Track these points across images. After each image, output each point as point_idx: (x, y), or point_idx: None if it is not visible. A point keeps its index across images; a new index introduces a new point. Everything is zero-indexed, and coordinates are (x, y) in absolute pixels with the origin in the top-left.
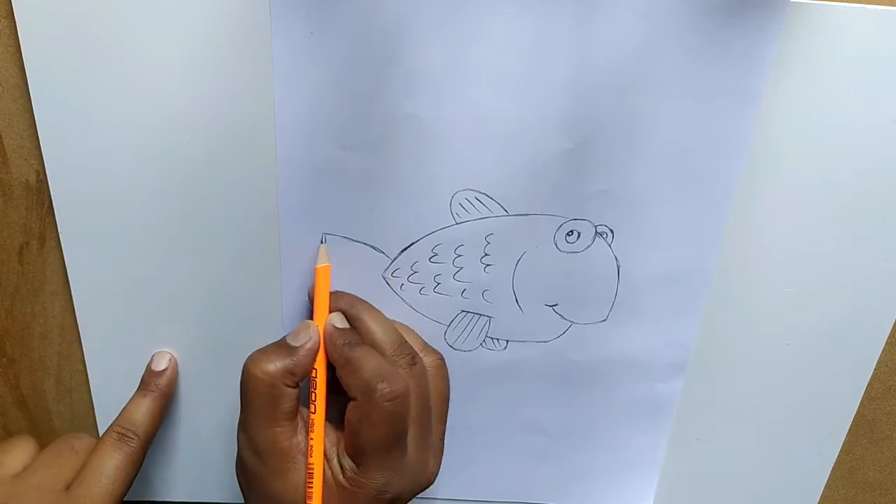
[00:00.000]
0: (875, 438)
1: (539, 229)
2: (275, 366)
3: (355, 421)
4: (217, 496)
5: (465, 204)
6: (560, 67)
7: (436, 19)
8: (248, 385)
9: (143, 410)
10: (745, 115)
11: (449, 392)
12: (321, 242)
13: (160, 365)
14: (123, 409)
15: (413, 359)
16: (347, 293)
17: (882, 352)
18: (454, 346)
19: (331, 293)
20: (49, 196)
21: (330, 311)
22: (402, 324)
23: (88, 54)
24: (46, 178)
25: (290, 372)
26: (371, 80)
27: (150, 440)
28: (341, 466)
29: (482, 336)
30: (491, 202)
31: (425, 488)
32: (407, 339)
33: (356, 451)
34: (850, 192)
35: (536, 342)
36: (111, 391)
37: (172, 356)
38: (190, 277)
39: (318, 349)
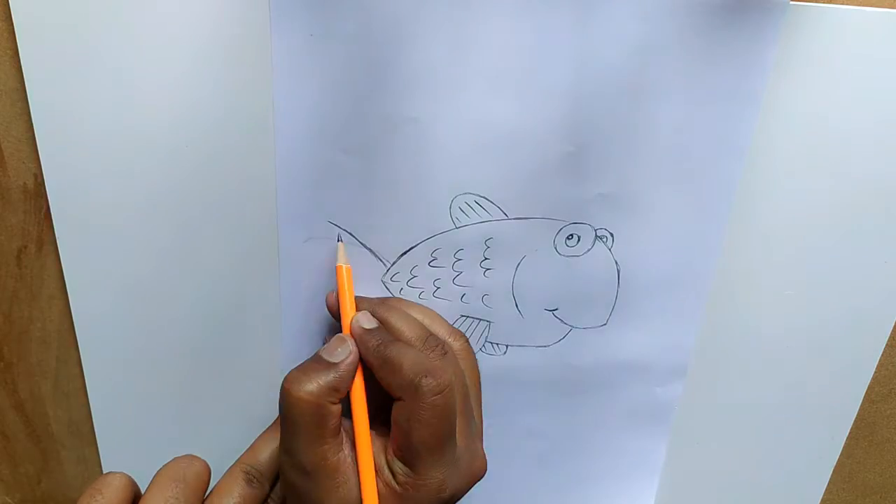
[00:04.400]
0: (875, 441)
1: (539, 233)
2: (317, 385)
3: (404, 422)
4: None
5: (465, 208)
6: (560, 70)
7: (436, 22)
8: (292, 408)
9: (274, 451)
10: (745, 117)
11: (479, 372)
12: (338, 240)
13: None
14: (255, 444)
15: (443, 348)
16: (365, 297)
17: (882, 354)
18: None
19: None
20: (47, 200)
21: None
22: (422, 307)
23: (86, 57)
24: (44, 182)
25: (334, 389)
26: (371, 83)
27: (274, 485)
28: (393, 473)
29: (482, 341)
30: (491, 206)
31: (481, 477)
32: (431, 326)
33: (408, 454)
34: (850, 194)
35: (536, 347)
36: (109, 396)
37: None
38: (188, 281)
39: (358, 362)
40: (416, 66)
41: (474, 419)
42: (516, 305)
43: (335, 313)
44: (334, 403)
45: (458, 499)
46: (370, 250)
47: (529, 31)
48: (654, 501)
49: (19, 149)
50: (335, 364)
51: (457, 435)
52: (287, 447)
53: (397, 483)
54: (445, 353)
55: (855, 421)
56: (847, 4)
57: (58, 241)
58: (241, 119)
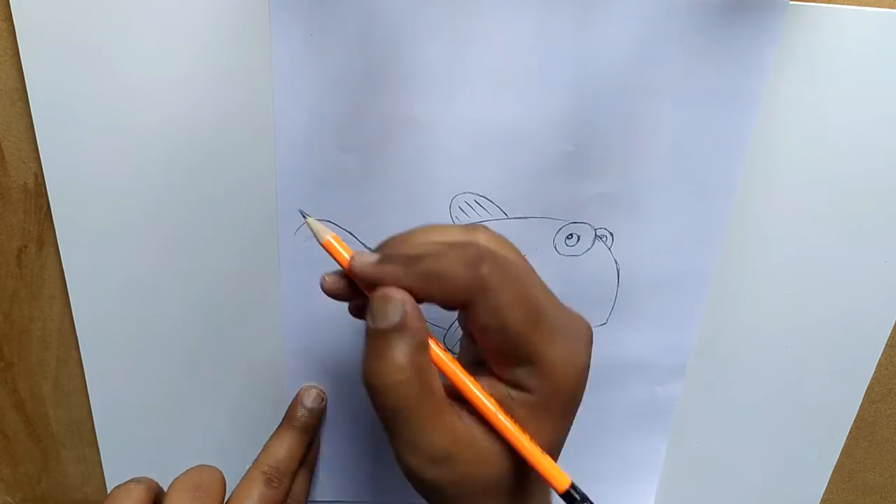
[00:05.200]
0: (875, 441)
1: (538, 232)
2: (402, 356)
3: (491, 320)
4: None
5: (465, 207)
6: (559, 70)
7: (435, 21)
8: (389, 395)
9: (289, 449)
10: (745, 117)
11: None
12: (303, 216)
13: (311, 403)
14: (269, 444)
15: (477, 229)
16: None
17: (882, 354)
18: (453, 349)
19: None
20: (47, 199)
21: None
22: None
23: (87, 57)
24: (45, 182)
25: (419, 348)
26: (370, 83)
27: (292, 484)
28: (515, 388)
29: None
30: (490, 205)
31: (592, 337)
32: (447, 227)
33: (513, 354)
34: (850, 193)
35: None
36: (109, 395)
37: (323, 394)
38: (189, 280)
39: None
40: (415, 66)
41: (542, 281)
42: None
43: (336, 294)
44: (429, 363)
45: (588, 368)
46: (370, 250)
47: (529, 30)
48: (654, 501)
49: (19, 149)
50: (399, 323)
51: (542, 301)
52: (409, 446)
53: (527, 392)
54: (476, 230)
55: (855, 421)
56: (846, 4)
57: (58, 241)
58: (241, 119)
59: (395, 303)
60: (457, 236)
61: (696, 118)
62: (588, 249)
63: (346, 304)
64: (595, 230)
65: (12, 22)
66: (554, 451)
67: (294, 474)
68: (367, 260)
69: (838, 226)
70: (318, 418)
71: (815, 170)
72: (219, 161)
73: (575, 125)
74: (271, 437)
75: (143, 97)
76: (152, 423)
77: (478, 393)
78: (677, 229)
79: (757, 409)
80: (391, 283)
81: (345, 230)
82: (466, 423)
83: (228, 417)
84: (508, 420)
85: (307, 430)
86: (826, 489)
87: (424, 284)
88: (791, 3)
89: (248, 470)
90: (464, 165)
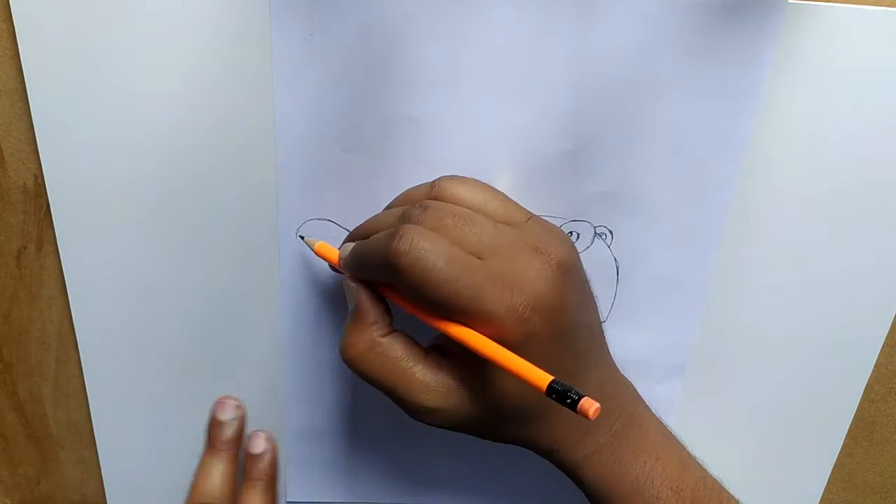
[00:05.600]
0: (875, 441)
1: None
2: (356, 333)
3: (409, 298)
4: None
5: None
6: (559, 69)
7: (435, 21)
8: (359, 368)
9: (220, 477)
10: (744, 115)
11: (490, 186)
12: (300, 238)
13: (226, 416)
14: (197, 477)
15: (421, 206)
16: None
17: (881, 353)
18: None
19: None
20: (47, 200)
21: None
22: (403, 193)
23: (86, 58)
24: (44, 182)
25: (372, 323)
26: (370, 82)
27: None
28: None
29: None
30: None
31: (573, 265)
32: (411, 198)
33: (440, 315)
34: (849, 193)
35: None
36: (108, 397)
37: (239, 407)
38: (188, 281)
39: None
40: (415, 65)
41: (518, 226)
42: None
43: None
44: (384, 335)
45: (560, 298)
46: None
47: (529, 29)
48: None
49: (19, 149)
50: (354, 307)
51: (490, 256)
52: (400, 405)
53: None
54: (426, 209)
55: (854, 420)
56: (846, 3)
57: (58, 242)
58: (241, 119)
59: (350, 290)
60: (390, 221)
61: (696, 117)
62: (587, 247)
63: (345, 305)
64: (594, 228)
65: (12, 22)
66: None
67: (232, 496)
68: (342, 255)
69: (837, 225)
70: (240, 432)
71: (814, 169)
72: (219, 161)
73: (575, 124)
74: (197, 470)
75: (143, 97)
76: (151, 425)
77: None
78: (677, 227)
79: (756, 408)
80: (351, 272)
81: (345, 230)
82: (439, 376)
83: None
84: (475, 334)
85: (231, 447)
86: (825, 488)
87: (358, 268)
88: (790, 1)
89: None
90: (464, 164)
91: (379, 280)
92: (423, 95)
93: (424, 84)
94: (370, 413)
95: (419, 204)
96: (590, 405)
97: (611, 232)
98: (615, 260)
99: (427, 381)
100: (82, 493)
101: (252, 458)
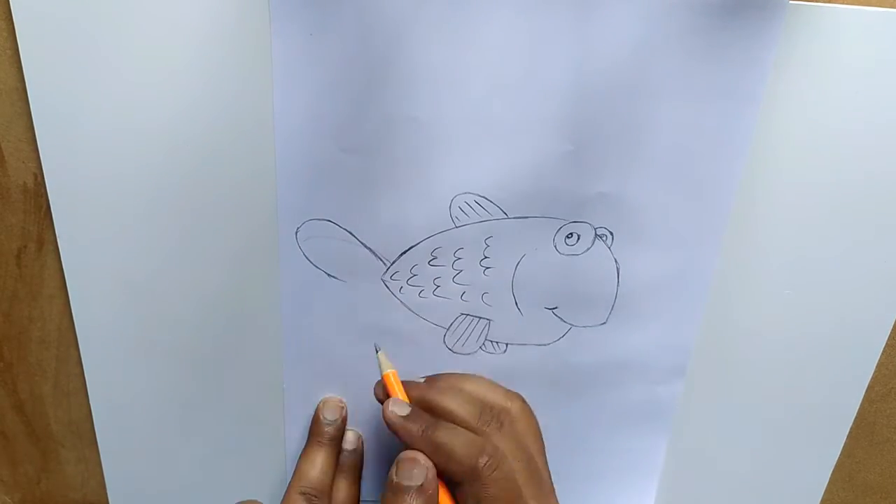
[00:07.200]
0: (875, 441)
1: (538, 232)
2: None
3: (474, 502)
4: (220, 500)
5: (465, 207)
6: (559, 69)
7: (435, 21)
8: None
9: (321, 465)
10: (745, 116)
11: (539, 427)
12: (377, 351)
13: (332, 415)
14: (301, 463)
15: (499, 419)
16: (415, 383)
17: (882, 354)
18: (454, 349)
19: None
20: (47, 199)
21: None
22: (474, 377)
23: (87, 57)
24: (44, 181)
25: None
26: (370, 82)
27: (335, 494)
28: None
29: (482, 339)
30: (490, 205)
31: None
32: (486, 394)
33: None
34: (850, 193)
35: (536, 345)
36: (109, 396)
37: (343, 407)
38: (188, 280)
39: (436, 477)
40: (415, 65)
41: (543, 478)
42: (516, 304)
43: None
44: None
45: None
46: (370, 249)
47: (529, 29)
48: (654, 501)
49: (19, 148)
50: (418, 487)
51: (528, 499)
52: None
53: None
54: (502, 425)
55: (855, 420)
56: (847, 4)
57: (58, 241)
58: (241, 118)
59: (420, 468)
60: (486, 416)
61: (697, 118)
62: (588, 249)
63: (344, 305)
64: (595, 229)
65: (12, 21)
66: None
67: (331, 487)
68: (397, 413)
69: (838, 225)
70: (341, 429)
71: (815, 170)
72: (219, 161)
73: (575, 124)
74: (301, 457)
75: (143, 97)
76: (152, 423)
77: None
78: (677, 229)
79: (757, 408)
80: (409, 442)
81: (345, 230)
82: None
83: (227, 417)
84: None
85: (333, 441)
86: (826, 489)
87: (432, 452)
88: (791, 2)
89: (287, 493)
90: (464, 165)
91: (440, 465)
92: (423, 95)
93: (424, 84)
94: (370, 413)
95: (496, 419)
96: None
97: (611, 233)
98: (615, 261)
99: None
100: (83, 491)
101: (344, 451)
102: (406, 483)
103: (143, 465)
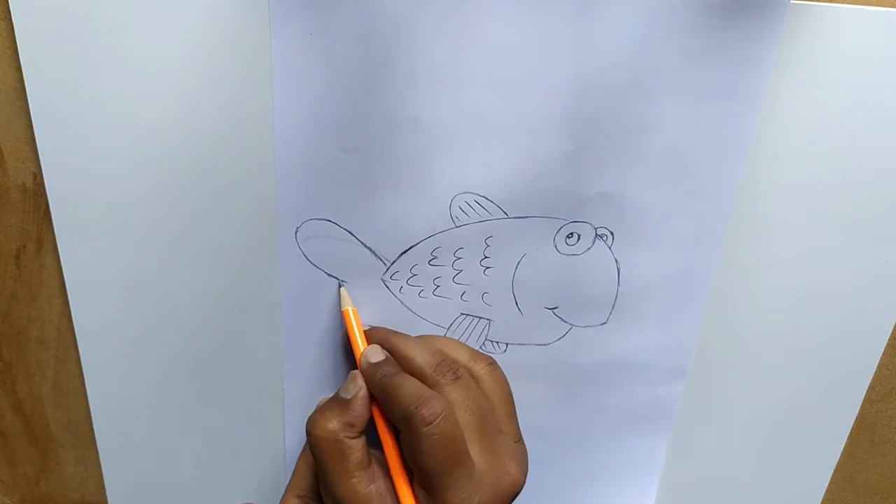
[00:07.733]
0: (876, 441)
1: (539, 232)
2: (333, 423)
3: (408, 452)
4: (220, 501)
5: (465, 207)
6: (560, 69)
7: (435, 20)
8: (315, 446)
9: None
10: (746, 116)
11: (510, 392)
12: (339, 286)
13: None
14: (298, 468)
15: (456, 373)
16: (380, 328)
17: (883, 354)
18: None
19: (365, 331)
20: (46, 199)
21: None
22: (447, 339)
23: (86, 57)
24: (43, 181)
25: (349, 425)
26: (370, 82)
27: None
28: (417, 499)
29: (482, 339)
30: (490, 205)
31: (515, 494)
32: (451, 353)
33: (421, 480)
34: (851, 193)
35: (536, 345)
36: (108, 396)
37: None
38: (188, 280)
39: (369, 396)
40: (415, 65)
41: (502, 437)
42: (516, 304)
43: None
44: (352, 438)
45: None
46: (370, 249)
47: (529, 29)
48: (654, 501)
49: (19, 148)
50: (349, 401)
51: (477, 456)
52: (323, 483)
53: None
54: (458, 378)
55: (856, 421)
56: (847, 4)
57: (57, 241)
58: (240, 118)
59: (355, 386)
60: (444, 366)
61: (697, 117)
62: (588, 248)
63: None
64: (595, 229)
65: (11, 22)
66: None
67: None
68: (368, 360)
69: (839, 225)
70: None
71: (815, 169)
72: (218, 161)
73: (575, 124)
74: (300, 458)
75: (143, 97)
76: (151, 424)
77: (397, 483)
78: (678, 229)
79: (757, 409)
80: (369, 386)
81: (345, 230)
82: (371, 490)
83: (227, 417)
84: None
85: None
86: (827, 489)
87: (381, 397)
88: (792, 2)
89: (284, 496)
90: (464, 165)
91: (385, 412)
92: (423, 95)
93: (424, 83)
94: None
95: (452, 371)
96: None
97: (612, 233)
98: (616, 261)
99: (359, 490)
100: (82, 492)
101: None
102: (342, 395)
103: (143, 465)
